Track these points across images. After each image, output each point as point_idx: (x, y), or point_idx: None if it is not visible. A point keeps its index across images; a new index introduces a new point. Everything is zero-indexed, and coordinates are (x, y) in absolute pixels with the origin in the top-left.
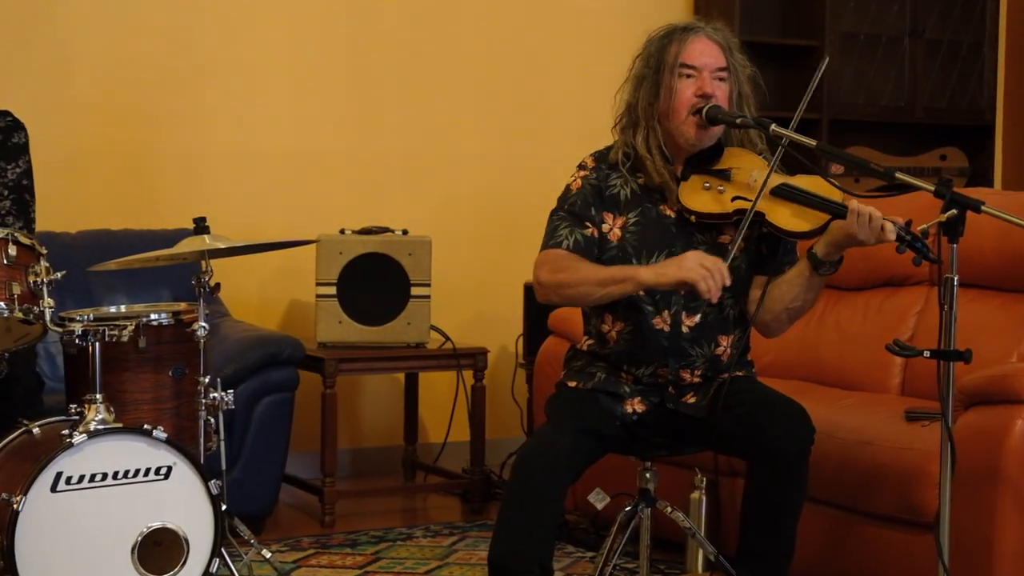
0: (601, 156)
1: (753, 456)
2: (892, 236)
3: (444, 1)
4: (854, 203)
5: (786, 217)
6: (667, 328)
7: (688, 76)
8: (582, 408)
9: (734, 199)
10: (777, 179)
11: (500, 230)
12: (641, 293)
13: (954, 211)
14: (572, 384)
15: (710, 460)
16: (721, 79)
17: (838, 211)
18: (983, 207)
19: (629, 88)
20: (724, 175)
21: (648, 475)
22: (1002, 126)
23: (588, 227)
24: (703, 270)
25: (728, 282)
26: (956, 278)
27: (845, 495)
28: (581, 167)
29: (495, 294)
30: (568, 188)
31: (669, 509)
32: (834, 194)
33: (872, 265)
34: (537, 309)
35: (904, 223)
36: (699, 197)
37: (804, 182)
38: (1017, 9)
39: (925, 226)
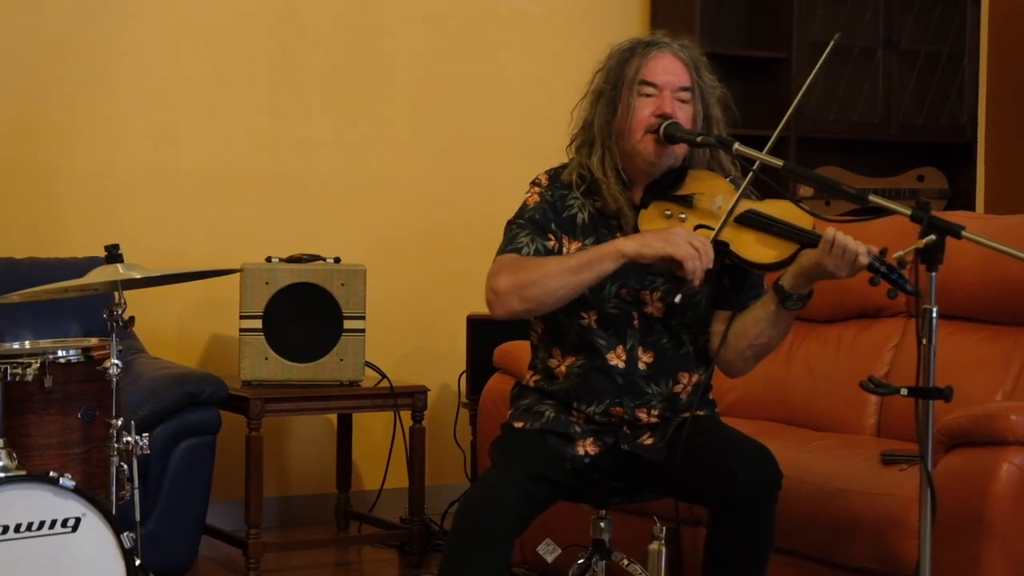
0: (556, 174)
1: (715, 503)
2: (865, 264)
3: (378, 13)
4: (829, 231)
5: (752, 247)
6: (622, 364)
7: (647, 95)
8: (530, 451)
9: (697, 228)
10: (744, 205)
11: (441, 258)
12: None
13: (933, 237)
14: (519, 425)
15: (670, 508)
16: (683, 100)
17: (809, 240)
18: (964, 232)
19: (586, 104)
20: (686, 201)
21: (602, 524)
22: (984, 144)
23: (551, 239)
24: (691, 248)
25: (711, 264)
26: (935, 309)
27: (816, 545)
28: (535, 183)
29: (436, 328)
30: (525, 203)
31: (625, 561)
32: (804, 220)
33: (845, 296)
34: (481, 344)
35: (879, 252)
36: (659, 227)
37: (773, 208)
38: (999, 17)
39: (901, 253)
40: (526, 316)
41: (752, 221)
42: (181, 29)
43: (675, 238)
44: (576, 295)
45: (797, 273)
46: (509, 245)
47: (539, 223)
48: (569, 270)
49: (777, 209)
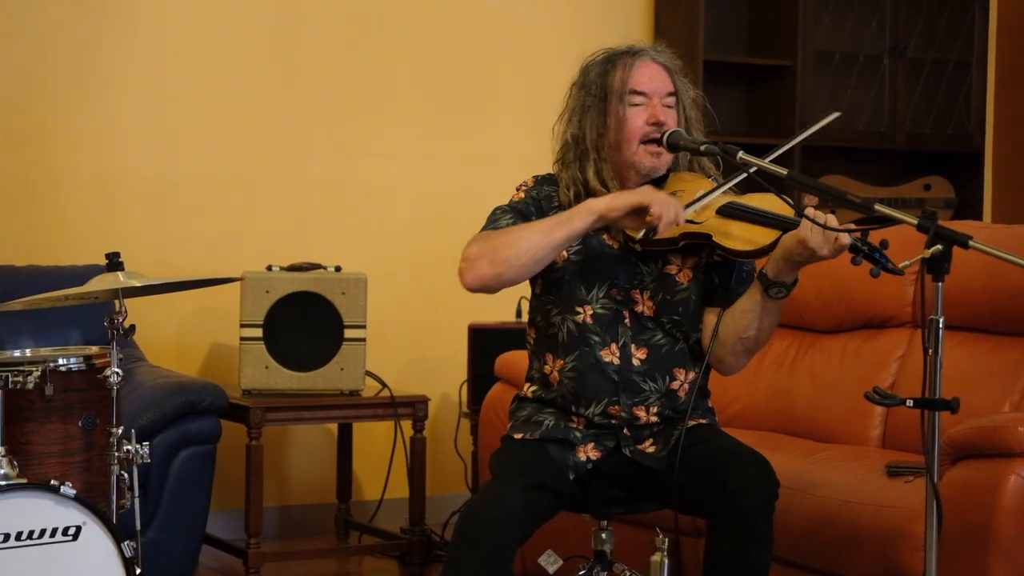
0: (543, 179)
1: (711, 513)
2: (847, 242)
3: (379, 19)
4: (809, 210)
5: (734, 237)
6: (616, 360)
7: (637, 104)
8: (531, 461)
9: (686, 206)
10: (724, 197)
11: (441, 266)
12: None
13: (939, 247)
14: (518, 436)
15: (672, 518)
16: (668, 105)
17: (790, 226)
18: (971, 242)
19: (574, 120)
20: None
21: (604, 535)
22: (992, 153)
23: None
24: (661, 196)
25: (682, 221)
26: (942, 320)
27: (821, 558)
28: (522, 186)
29: (436, 337)
30: (511, 200)
31: (627, 573)
32: (786, 211)
33: (849, 306)
34: (483, 354)
35: (861, 233)
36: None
37: (755, 200)
38: (1008, 24)
39: (907, 263)
40: (495, 283)
41: (733, 212)
42: (180, 37)
43: (644, 189)
44: (547, 257)
45: (780, 257)
46: (490, 224)
47: (523, 212)
48: (540, 230)
49: (759, 201)
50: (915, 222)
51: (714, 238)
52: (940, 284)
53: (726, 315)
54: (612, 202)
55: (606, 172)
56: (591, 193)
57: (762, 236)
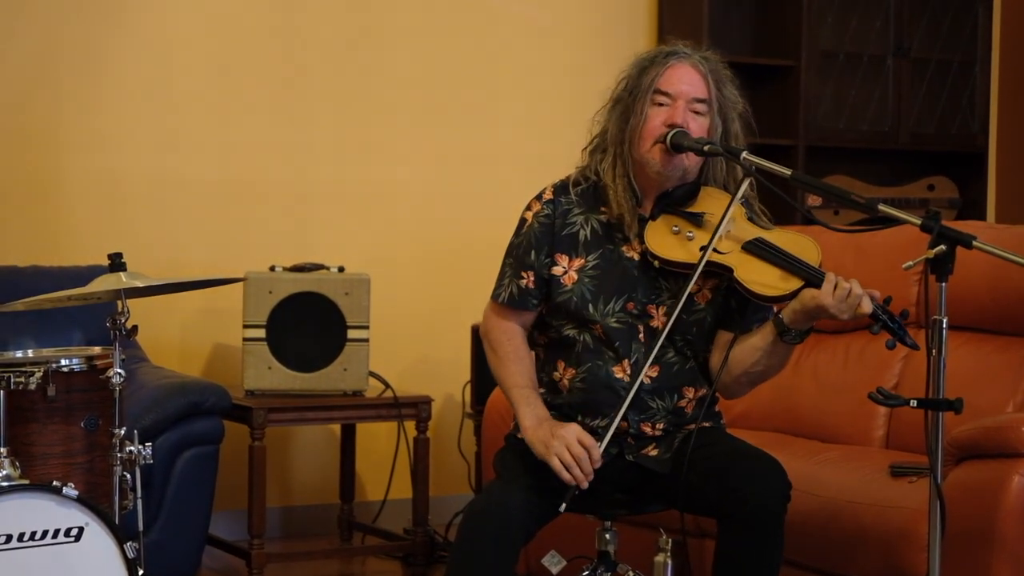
0: (562, 188)
1: (723, 515)
2: (868, 311)
3: (383, 20)
4: (832, 274)
5: (755, 276)
6: (627, 377)
7: (661, 104)
8: (534, 462)
9: (703, 248)
10: (754, 231)
11: (445, 267)
12: None
13: (943, 247)
14: (522, 436)
15: (676, 519)
16: (697, 111)
17: (814, 278)
18: (975, 243)
19: (605, 110)
20: (696, 220)
21: (608, 536)
22: (995, 153)
23: (523, 277)
24: (568, 457)
25: (597, 465)
26: (946, 320)
27: (825, 558)
28: (538, 198)
29: (440, 337)
30: (521, 223)
31: (631, 574)
32: (812, 256)
33: None
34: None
35: (883, 301)
36: (665, 241)
37: (785, 239)
38: (1011, 25)
39: (911, 263)
40: None
41: (760, 250)
42: (183, 37)
43: (555, 445)
44: None
45: (797, 309)
46: (495, 288)
47: (520, 259)
48: (506, 392)
49: (789, 242)
50: (919, 222)
51: (735, 273)
52: (944, 284)
53: (737, 348)
54: (530, 439)
55: (619, 168)
56: (602, 187)
57: (782, 283)
